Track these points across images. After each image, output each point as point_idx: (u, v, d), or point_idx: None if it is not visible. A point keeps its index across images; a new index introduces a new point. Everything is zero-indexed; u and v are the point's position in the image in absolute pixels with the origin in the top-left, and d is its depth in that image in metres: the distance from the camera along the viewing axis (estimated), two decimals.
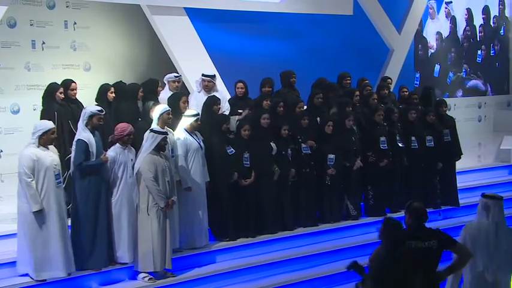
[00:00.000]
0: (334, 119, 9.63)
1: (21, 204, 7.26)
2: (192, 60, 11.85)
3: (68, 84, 8.92)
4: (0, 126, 10.89)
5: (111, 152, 7.75)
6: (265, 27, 13.37)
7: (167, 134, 7.90)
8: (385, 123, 10.09)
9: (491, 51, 18.43)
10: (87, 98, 9.35)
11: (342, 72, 10.94)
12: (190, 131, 8.41)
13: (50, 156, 7.33)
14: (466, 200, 10.77)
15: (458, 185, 10.82)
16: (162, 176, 7.66)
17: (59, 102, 8.69)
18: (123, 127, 7.80)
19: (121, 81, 9.46)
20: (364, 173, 9.89)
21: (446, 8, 17.31)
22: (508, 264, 6.24)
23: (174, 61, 11.84)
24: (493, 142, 15.29)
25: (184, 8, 12.04)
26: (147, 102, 8.78)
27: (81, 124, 7.74)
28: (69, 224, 7.66)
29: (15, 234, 7.49)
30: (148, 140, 7.69)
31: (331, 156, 9.48)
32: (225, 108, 9.45)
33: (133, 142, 7.94)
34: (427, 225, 5.93)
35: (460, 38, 17.57)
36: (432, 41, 16.94)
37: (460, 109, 17.10)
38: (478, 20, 18.12)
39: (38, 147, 7.27)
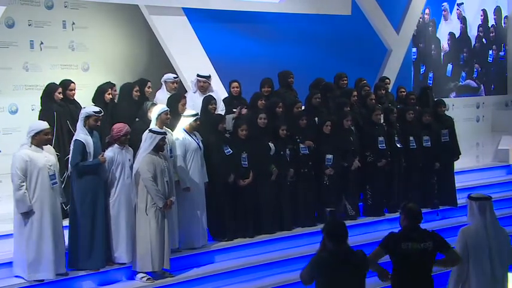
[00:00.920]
0: (332, 119, 9.63)
1: None
2: (190, 60, 11.86)
3: (66, 84, 8.90)
4: None
5: (109, 153, 7.73)
6: (264, 27, 13.38)
7: (166, 134, 7.89)
8: (383, 123, 10.11)
9: (502, 51, 18.55)
10: (85, 98, 9.34)
11: (338, 73, 10.94)
12: (189, 131, 8.40)
13: (45, 156, 7.30)
14: (464, 200, 10.60)
15: (456, 185, 10.80)
16: (161, 176, 7.65)
17: (57, 103, 8.68)
18: (119, 127, 7.78)
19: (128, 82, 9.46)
20: (362, 173, 9.89)
21: (457, 9, 17.44)
22: (509, 261, 6.26)
23: (172, 61, 11.85)
24: (491, 142, 15.31)
25: (183, 8, 12.06)
26: (146, 103, 8.77)
27: (79, 124, 7.73)
28: (67, 224, 7.65)
29: (12, 234, 7.46)
30: (147, 140, 7.68)
31: (330, 156, 9.47)
32: (221, 108, 9.45)
33: (132, 142, 7.93)
34: (424, 226, 5.93)
35: (471, 38, 17.69)
36: (444, 42, 17.05)
37: (458, 109, 17.12)
38: (490, 21, 18.34)
39: (31, 147, 7.24)
